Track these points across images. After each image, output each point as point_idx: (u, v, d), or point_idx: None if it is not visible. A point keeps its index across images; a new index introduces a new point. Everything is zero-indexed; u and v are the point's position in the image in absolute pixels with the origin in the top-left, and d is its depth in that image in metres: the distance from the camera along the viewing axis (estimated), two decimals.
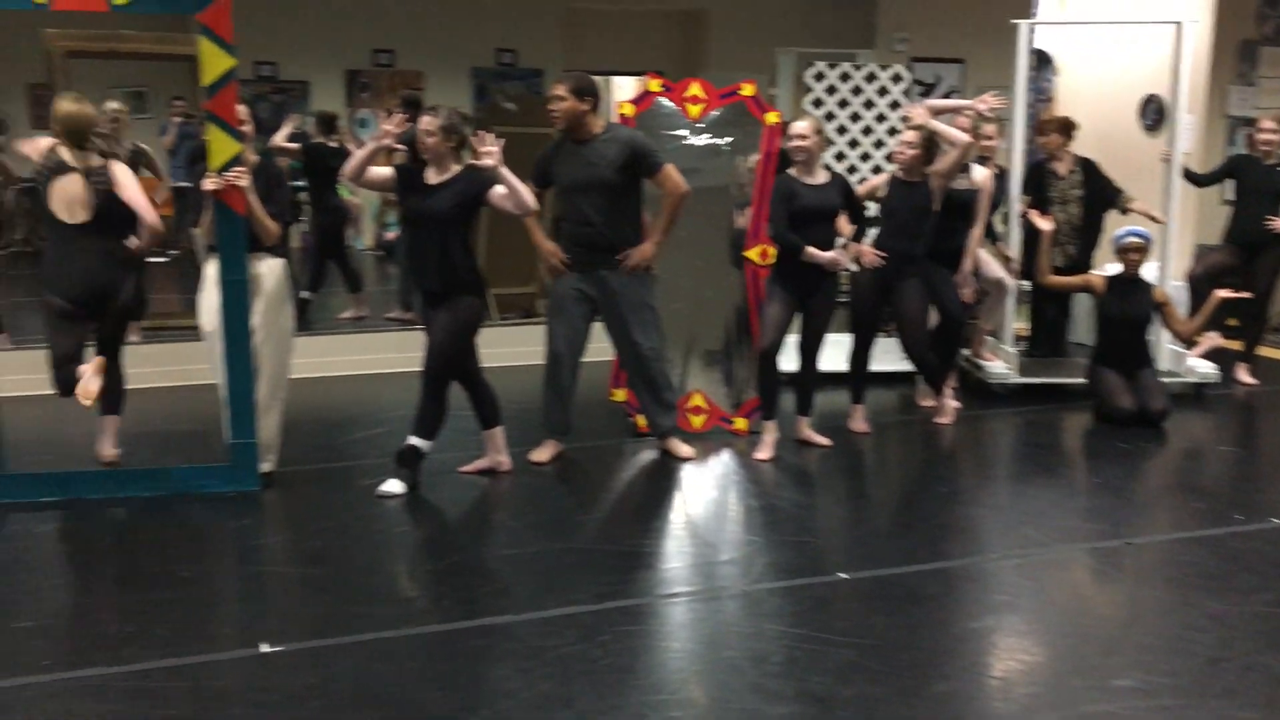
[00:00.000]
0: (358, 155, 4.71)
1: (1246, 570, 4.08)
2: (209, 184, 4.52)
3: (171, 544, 4.25)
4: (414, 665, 3.30)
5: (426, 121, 4.69)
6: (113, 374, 4.96)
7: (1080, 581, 4.13)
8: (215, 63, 4.48)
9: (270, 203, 4.74)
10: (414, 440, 4.82)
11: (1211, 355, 7.10)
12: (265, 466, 4.86)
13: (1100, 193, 6.88)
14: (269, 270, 4.80)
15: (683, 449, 5.41)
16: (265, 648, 3.38)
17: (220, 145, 4.53)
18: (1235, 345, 7.31)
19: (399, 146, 4.89)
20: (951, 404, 6.07)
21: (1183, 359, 6.74)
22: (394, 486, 4.78)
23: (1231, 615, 3.68)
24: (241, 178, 4.54)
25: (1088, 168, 6.90)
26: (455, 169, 4.73)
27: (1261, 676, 3.27)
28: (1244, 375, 7.12)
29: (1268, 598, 3.83)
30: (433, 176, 4.74)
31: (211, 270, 4.73)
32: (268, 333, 4.79)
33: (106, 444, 5.12)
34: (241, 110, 4.64)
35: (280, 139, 8.01)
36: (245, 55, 4.47)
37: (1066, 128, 6.91)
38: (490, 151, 4.51)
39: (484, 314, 4.91)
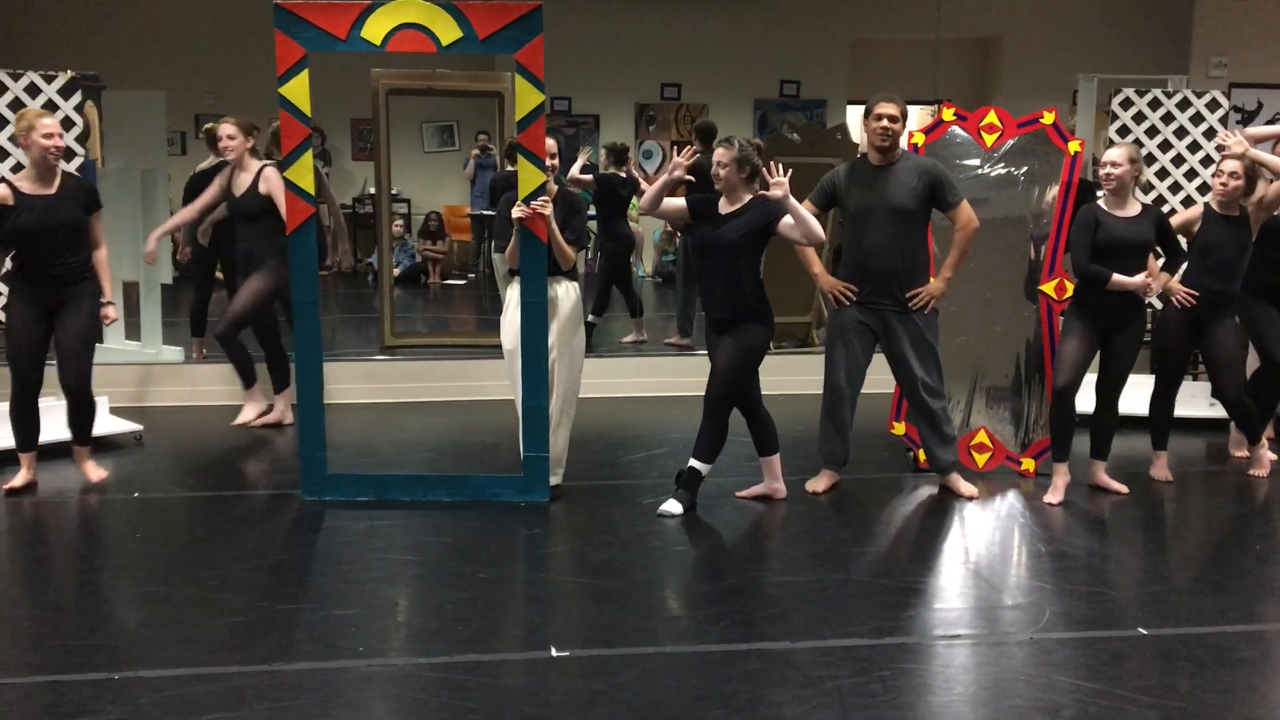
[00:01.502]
0: (654, 188, 4.89)
1: None
2: (517, 212, 4.81)
3: (470, 547, 4.53)
4: (694, 682, 3.37)
5: (720, 153, 4.81)
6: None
7: None
8: (527, 98, 4.77)
9: (568, 229, 4.99)
10: (694, 463, 4.92)
11: None
12: (554, 479, 5.10)
13: None
14: (565, 293, 5.04)
15: (965, 487, 5.25)
16: (554, 652, 3.55)
17: (528, 175, 4.81)
18: None
19: (689, 177, 5.03)
20: (1269, 455, 5.59)
21: None
22: (673, 506, 4.90)
23: None
24: (546, 206, 4.81)
25: None
26: (746, 199, 4.81)
27: None
28: None
29: None
30: (725, 206, 4.85)
31: (513, 293, 5.03)
32: (561, 352, 5.03)
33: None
34: (551, 144, 4.92)
35: (575, 171, 8.40)
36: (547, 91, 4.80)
37: None
38: (780, 182, 4.57)
39: (768, 342, 4.95)
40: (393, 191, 9.71)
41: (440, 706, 3.21)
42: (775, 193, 4.58)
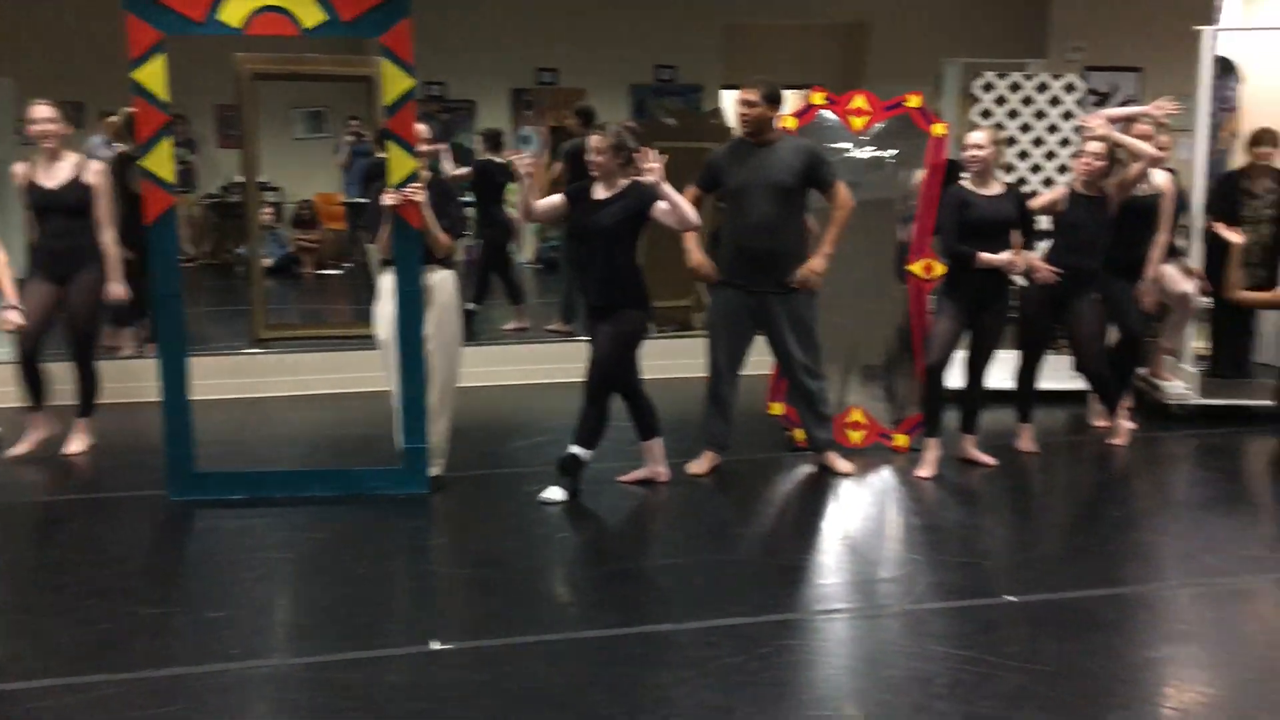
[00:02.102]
0: (521, 201, 4.93)
1: None
2: (388, 199, 4.72)
3: (348, 542, 4.44)
4: (578, 669, 3.37)
5: (595, 140, 4.80)
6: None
7: (1267, 613, 3.92)
8: (395, 83, 4.68)
9: (442, 216, 4.92)
10: (575, 449, 4.91)
11: None
12: (434, 471, 5.03)
13: None
14: (440, 282, 4.97)
15: (841, 464, 5.36)
16: (436, 645, 3.50)
17: (398, 162, 4.72)
18: None
19: (555, 163, 5.03)
20: (1126, 425, 5.84)
21: None
22: (555, 494, 4.88)
23: None
24: (418, 193, 4.72)
25: None
26: (622, 184, 4.81)
27: None
28: None
29: None
30: (600, 192, 4.84)
31: (386, 282, 4.93)
32: (439, 342, 4.96)
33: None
34: (423, 129, 4.83)
35: (451, 169, 8.27)
36: (417, 75, 4.69)
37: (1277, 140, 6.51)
38: (652, 168, 4.59)
39: (647, 327, 4.97)
40: (262, 180, 9.43)
41: (319, 707, 3.14)
42: (648, 177, 4.59)
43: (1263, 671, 3.40)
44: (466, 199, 8.98)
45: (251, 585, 4.02)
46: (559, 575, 4.29)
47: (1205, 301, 6.54)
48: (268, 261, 10.44)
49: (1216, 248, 6.24)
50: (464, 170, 8.41)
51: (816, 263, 5.14)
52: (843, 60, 14.01)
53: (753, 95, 5.04)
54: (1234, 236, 6.05)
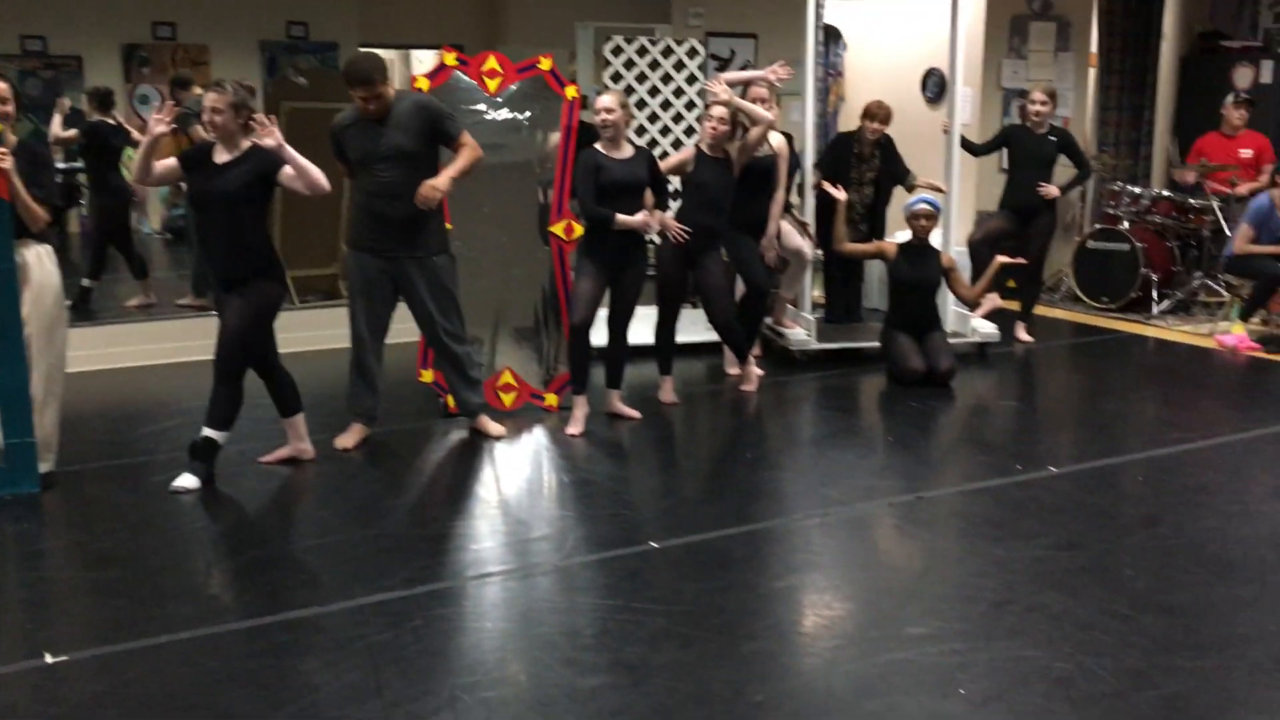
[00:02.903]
0: (138, 157, 4.53)
1: (1027, 517, 4.36)
2: None
3: None
4: (214, 665, 3.17)
5: (213, 99, 4.48)
6: None
7: (878, 536, 4.32)
8: None
9: (35, 186, 4.44)
10: (208, 432, 4.62)
11: (992, 316, 7.54)
12: (44, 466, 4.57)
13: (892, 172, 7.11)
14: (36, 258, 4.50)
15: (493, 427, 5.38)
16: (50, 658, 3.19)
17: None
18: (1013, 306, 7.79)
19: (169, 127, 4.62)
20: (756, 372, 6.24)
21: (967, 320, 7.13)
22: (188, 481, 4.57)
23: (1014, 560, 3.93)
24: (3, 160, 4.22)
25: (886, 147, 7.09)
26: (245, 146, 4.53)
27: (1042, 616, 3.49)
28: (1022, 334, 7.59)
29: (1046, 542, 4.10)
30: (221, 155, 4.54)
31: None
32: (38, 325, 4.49)
33: None
34: (2, 88, 4.32)
35: (57, 129, 7.51)
36: (9, 28, 4.16)
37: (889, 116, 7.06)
38: (270, 132, 4.36)
39: (282, 298, 4.74)
40: None
41: None
42: (267, 143, 4.36)
43: (875, 590, 3.75)
44: (78, 165, 8.21)
45: None
46: (194, 568, 4.01)
47: (818, 254, 7.08)
48: None
49: (825, 204, 6.78)
50: (71, 133, 7.65)
51: (440, 180, 4.88)
52: (480, 21, 13.94)
53: (368, 92, 4.80)
54: (839, 194, 6.60)
